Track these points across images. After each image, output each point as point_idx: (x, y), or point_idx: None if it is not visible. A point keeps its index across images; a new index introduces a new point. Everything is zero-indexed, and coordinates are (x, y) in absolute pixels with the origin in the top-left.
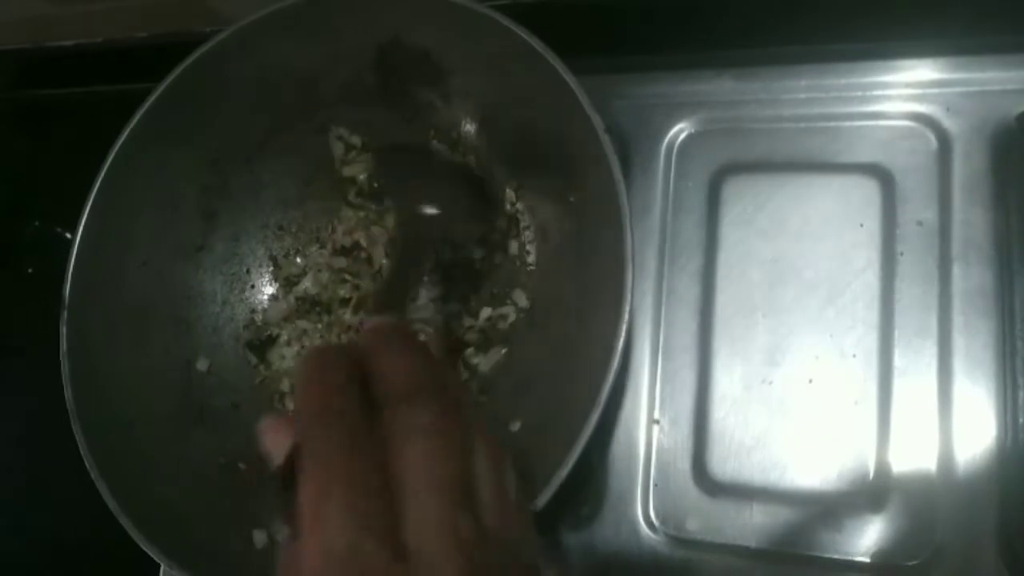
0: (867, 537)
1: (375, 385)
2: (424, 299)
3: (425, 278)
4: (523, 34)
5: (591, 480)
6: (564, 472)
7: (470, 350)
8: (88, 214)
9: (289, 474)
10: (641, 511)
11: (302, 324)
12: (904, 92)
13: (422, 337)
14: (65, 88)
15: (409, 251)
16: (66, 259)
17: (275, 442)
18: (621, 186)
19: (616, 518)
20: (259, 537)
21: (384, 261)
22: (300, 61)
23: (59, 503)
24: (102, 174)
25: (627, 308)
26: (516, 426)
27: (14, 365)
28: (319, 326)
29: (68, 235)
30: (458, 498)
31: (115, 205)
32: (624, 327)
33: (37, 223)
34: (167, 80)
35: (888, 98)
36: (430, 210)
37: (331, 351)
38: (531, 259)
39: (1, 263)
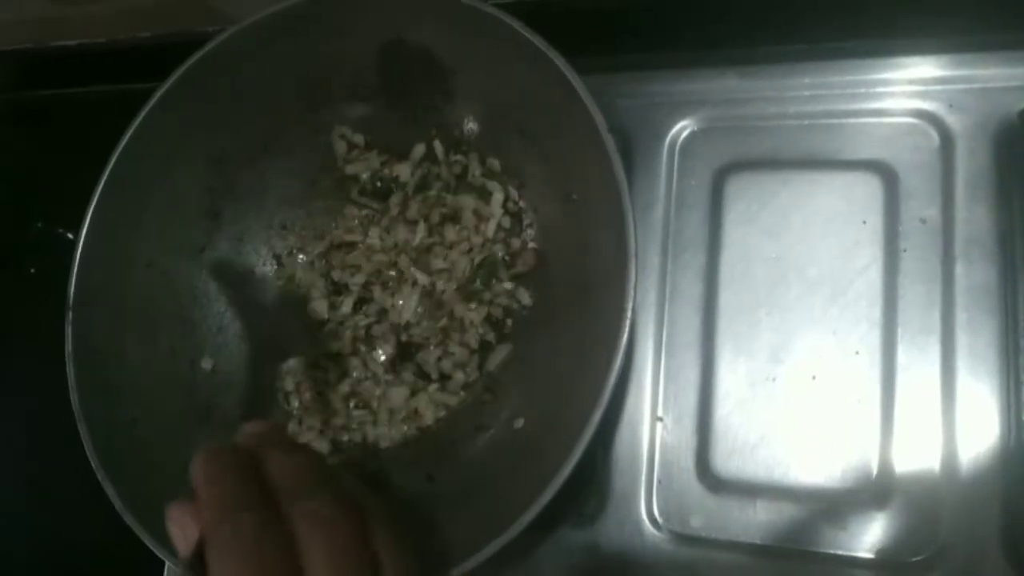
0: (871, 534)
1: (271, 483)
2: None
3: None
4: (526, 33)
5: (595, 478)
6: (567, 469)
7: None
8: (92, 215)
9: (198, 563)
10: (645, 508)
11: None
12: (907, 89)
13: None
14: (68, 88)
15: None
16: (68, 260)
17: (181, 531)
18: (624, 184)
19: (620, 516)
20: None
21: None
22: (303, 60)
23: (62, 503)
24: (106, 174)
25: (630, 306)
26: (519, 423)
27: (16, 365)
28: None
29: (70, 236)
30: None
31: (119, 205)
32: (627, 325)
33: (39, 224)
34: (170, 80)
35: (891, 95)
36: None
37: (226, 451)
38: (535, 255)
39: (3, 263)
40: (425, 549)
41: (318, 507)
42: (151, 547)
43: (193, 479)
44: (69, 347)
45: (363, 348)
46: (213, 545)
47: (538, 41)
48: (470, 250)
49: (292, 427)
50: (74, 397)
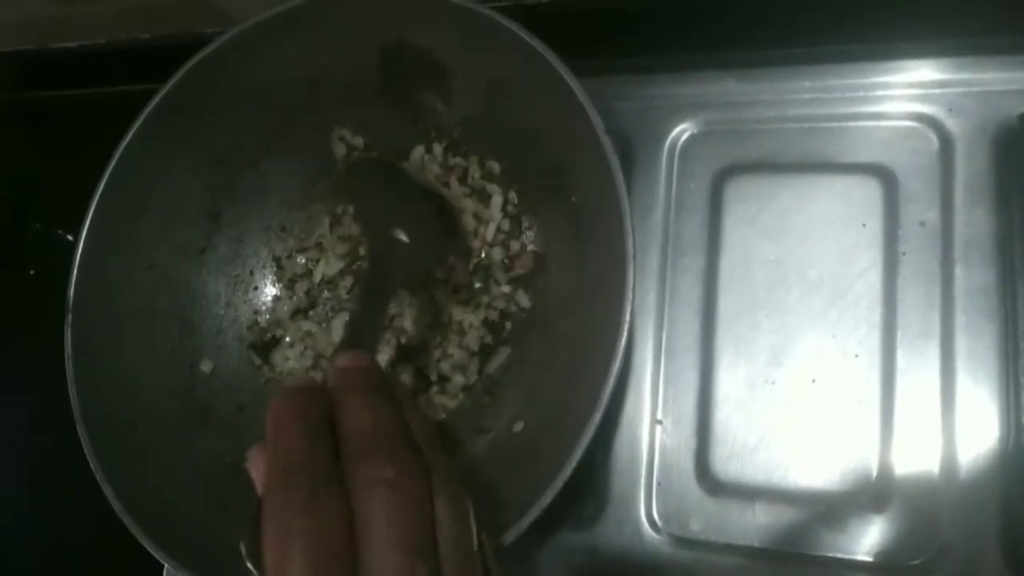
0: (870, 537)
1: (340, 437)
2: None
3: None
4: (525, 36)
5: (594, 480)
6: (567, 472)
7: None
8: (92, 216)
9: (255, 522)
10: (644, 511)
11: (305, 325)
12: (907, 92)
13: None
14: (68, 89)
15: (377, 282)
16: (67, 261)
17: (258, 476)
18: (622, 187)
19: (619, 518)
20: None
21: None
22: (304, 62)
23: (61, 504)
24: (106, 175)
25: (628, 308)
26: (519, 426)
27: (15, 365)
28: (322, 326)
29: (70, 237)
30: (416, 554)
31: (119, 206)
32: (626, 327)
33: (38, 225)
34: (171, 81)
35: (891, 98)
36: (401, 236)
37: (303, 395)
38: (534, 257)
39: (2, 264)
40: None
41: (379, 470)
42: (149, 549)
43: (267, 420)
44: (69, 349)
45: None
46: (266, 507)
47: (536, 44)
48: (469, 253)
49: None
50: (74, 398)
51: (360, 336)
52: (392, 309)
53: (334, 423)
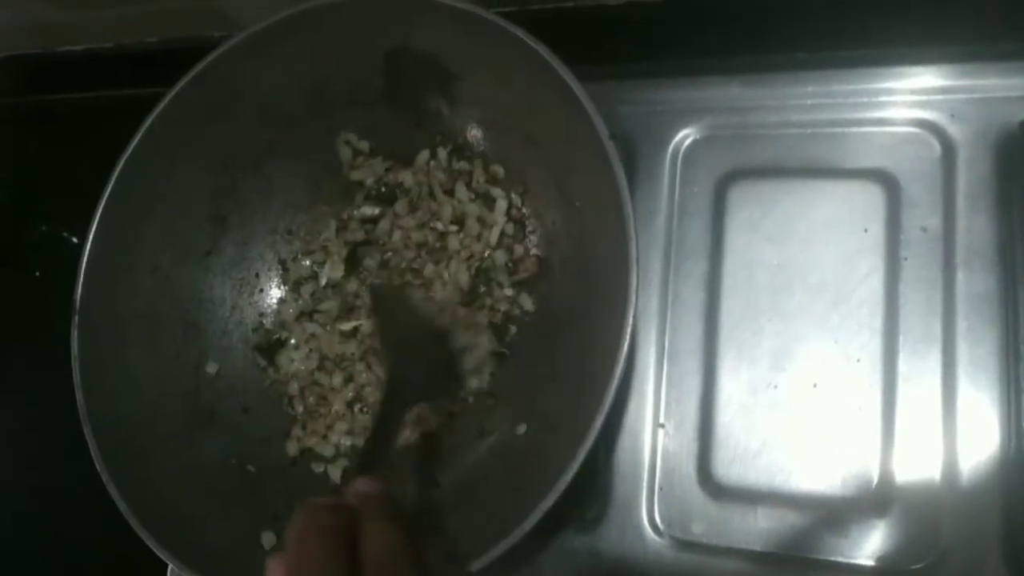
0: (872, 541)
1: (359, 555)
2: None
3: None
4: (529, 41)
5: (597, 483)
6: (570, 475)
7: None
8: (99, 219)
9: None
10: (646, 514)
11: (310, 327)
12: (909, 99)
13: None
14: (74, 93)
15: (393, 408)
16: (72, 262)
17: None
18: (625, 191)
19: (622, 521)
20: (267, 538)
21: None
22: (309, 66)
23: (65, 503)
24: (113, 178)
25: (631, 312)
26: (522, 429)
27: (20, 366)
28: (327, 329)
29: (75, 239)
30: None
31: (125, 210)
32: (628, 331)
33: (44, 227)
34: (178, 86)
35: (893, 104)
36: (416, 372)
37: (325, 512)
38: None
39: (8, 265)
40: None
41: None
42: (154, 549)
43: (288, 533)
44: (75, 350)
45: (370, 355)
46: None
47: (541, 49)
48: (470, 257)
49: (296, 431)
50: (80, 400)
51: (376, 461)
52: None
53: (351, 542)
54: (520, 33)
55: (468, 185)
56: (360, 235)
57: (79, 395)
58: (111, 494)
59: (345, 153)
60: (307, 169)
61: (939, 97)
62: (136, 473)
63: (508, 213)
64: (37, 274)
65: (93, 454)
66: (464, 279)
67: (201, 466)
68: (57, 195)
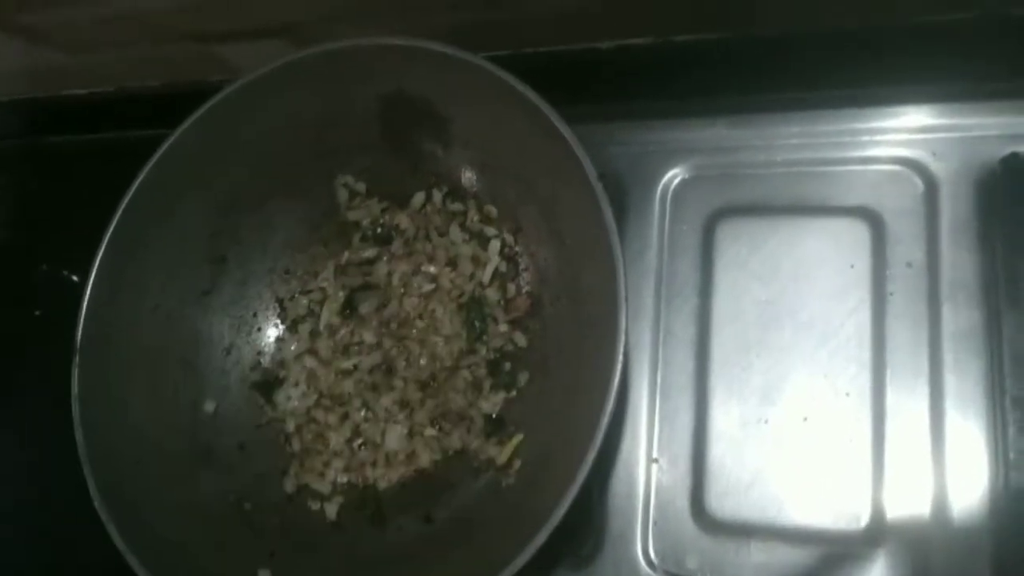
0: (864, 571)
1: None
2: None
3: None
4: (518, 86)
5: (591, 519)
6: (562, 510)
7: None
8: (101, 259)
9: None
10: (641, 549)
11: (308, 365)
12: (892, 137)
13: None
14: (77, 135)
15: None
16: (72, 302)
17: None
18: (613, 231)
19: (616, 557)
20: (264, 575)
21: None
22: (308, 111)
23: (65, 540)
24: (115, 219)
25: (622, 348)
26: (516, 465)
27: (19, 404)
28: (325, 367)
29: (75, 278)
30: None
31: (127, 250)
32: (619, 365)
33: (45, 266)
34: (180, 129)
35: (876, 143)
36: None
37: None
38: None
39: (9, 305)
40: None
41: None
42: None
43: None
44: (75, 390)
45: (367, 393)
46: None
47: (530, 94)
48: (460, 295)
49: (293, 468)
50: (79, 438)
51: None
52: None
53: None
54: (509, 78)
55: (462, 226)
56: (358, 280)
57: (78, 434)
58: (109, 532)
59: (342, 195)
60: (305, 210)
61: (921, 136)
62: (134, 511)
63: (501, 252)
64: (37, 313)
65: (92, 492)
66: (457, 324)
67: (198, 503)
68: (58, 235)
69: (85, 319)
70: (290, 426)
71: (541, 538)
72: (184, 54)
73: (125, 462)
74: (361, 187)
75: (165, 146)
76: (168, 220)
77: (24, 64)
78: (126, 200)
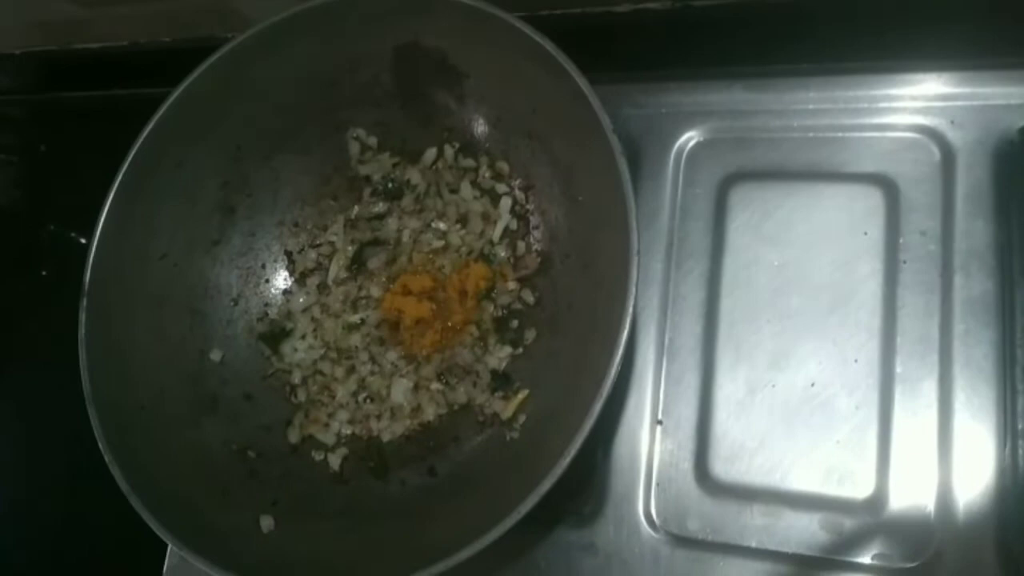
0: (867, 539)
1: None
2: None
3: None
4: (536, 37)
5: (594, 478)
6: (566, 461)
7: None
8: (110, 205)
9: None
10: (643, 510)
11: (316, 318)
12: (910, 105)
13: None
14: (89, 91)
15: None
16: (79, 263)
17: None
18: (628, 184)
19: (618, 516)
20: (266, 522)
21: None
22: (319, 62)
23: (70, 485)
24: (124, 167)
25: (631, 302)
26: (521, 420)
27: (25, 365)
28: (332, 320)
29: (82, 240)
30: None
31: (136, 197)
32: (628, 321)
33: (52, 227)
34: (190, 77)
35: (894, 110)
36: None
37: None
38: (539, 258)
39: (17, 265)
40: (425, 539)
41: None
42: (154, 528)
43: None
44: (82, 332)
45: (373, 347)
46: None
47: (548, 45)
48: (470, 252)
49: (298, 419)
50: (85, 380)
51: None
52: None
53: None
54: (528, 30)
55: (473, 182)
56: (368, 235)
57: (84, 376)
58: (114, 475)
59: (353, 148)
60: (315, 163)
61: (939, 104)
62: (138, 455)
63: (512, 209)
64: (44, 273)
65: (97, 435)
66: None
67: (203, 450)
68: (67, 196)
69: (93, 263)
70: (296, 377)
71: (544, 487)
72: (198, 7)
73: (130, 407)
74: (373, 141)
75: (175, 95)
76: (178, 169)
77: (39, 16)
78: (136, 147)
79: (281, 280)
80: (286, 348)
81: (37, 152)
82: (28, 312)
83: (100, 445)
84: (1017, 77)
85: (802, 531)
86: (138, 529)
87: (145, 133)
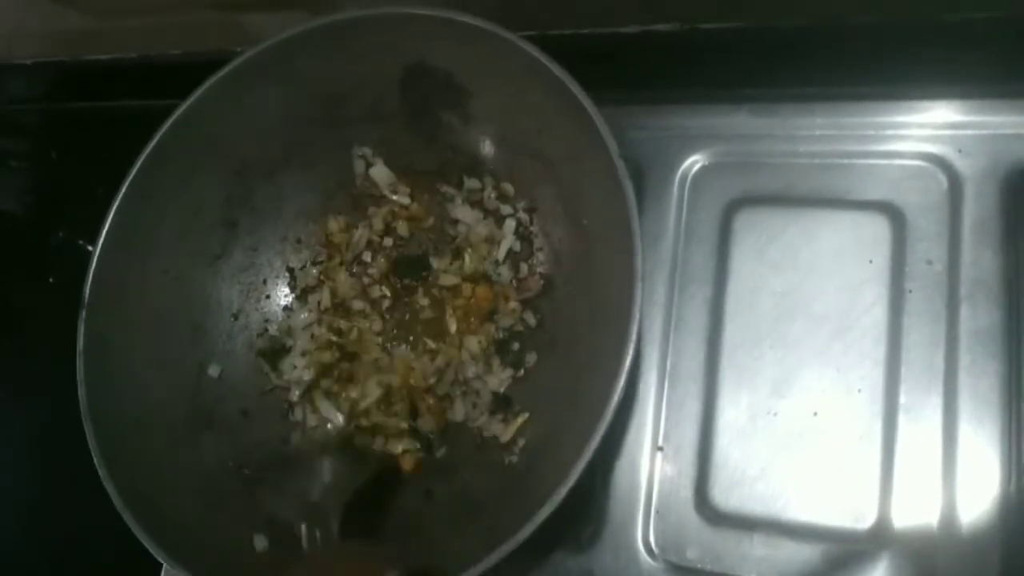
0: (869, 571)
1: None
2: None
3: None
4: (543, 58)
5: (592, 504)
6: (566, 488)
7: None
8: (112, 217)
9: None
10: (641, 537)
11: (316, 335)
12: (917, 133)
13: None
14: (98, 102)
15: None
16: (85, 271)
17: None
18: (633, 208)
19: (616, 543)
20: (259, 541)
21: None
22: (327, 80)
23: (68, 499)
24: (128, 179)
25: (635, 327)
26: (520, 443)
27: (32, 370)
28: (333, 339)
29: (90, 247)
30: None
31: (138, 211)
32: (631, 347)
33: (61, 233)
34: (195, 93)
35: (901, 138)
36: None
37: None
38: (542, 281)
39: (26, 271)
40: (422, 564)
41: None
42: (148, 546)
43: None
44: (80, 345)
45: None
46: None
47: (555, 67)
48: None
49: (295, 436)
50: (82, 395)
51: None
52: None
53: None
54: (534, 51)
55: (479, 204)
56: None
57: (81, 390)
58: (108, 491)
59: (359, 166)
60: (320, 180)
61: (947, 132)
62: (133, 471)
63: (516, 231)
64: (51, 280)
65: (92, 450)
66: None
67: (198, 466)
68: (75, 204)
69: (94, 275)
70: (294, 395)
71: (543, 514)
72: (208, 22)
73: (127, 421)
74: (378, 159)
75: (183, 107)
76: (181, 183)
77: (49, 27)
78: (141, 160)
79: (282, 296)
80: (285, 365)
81: (48, 160)
82: (35, 318)
83: (95, 460)
84: None
85: (803, 562)
86: (133, 545)
87: (150, 146)
